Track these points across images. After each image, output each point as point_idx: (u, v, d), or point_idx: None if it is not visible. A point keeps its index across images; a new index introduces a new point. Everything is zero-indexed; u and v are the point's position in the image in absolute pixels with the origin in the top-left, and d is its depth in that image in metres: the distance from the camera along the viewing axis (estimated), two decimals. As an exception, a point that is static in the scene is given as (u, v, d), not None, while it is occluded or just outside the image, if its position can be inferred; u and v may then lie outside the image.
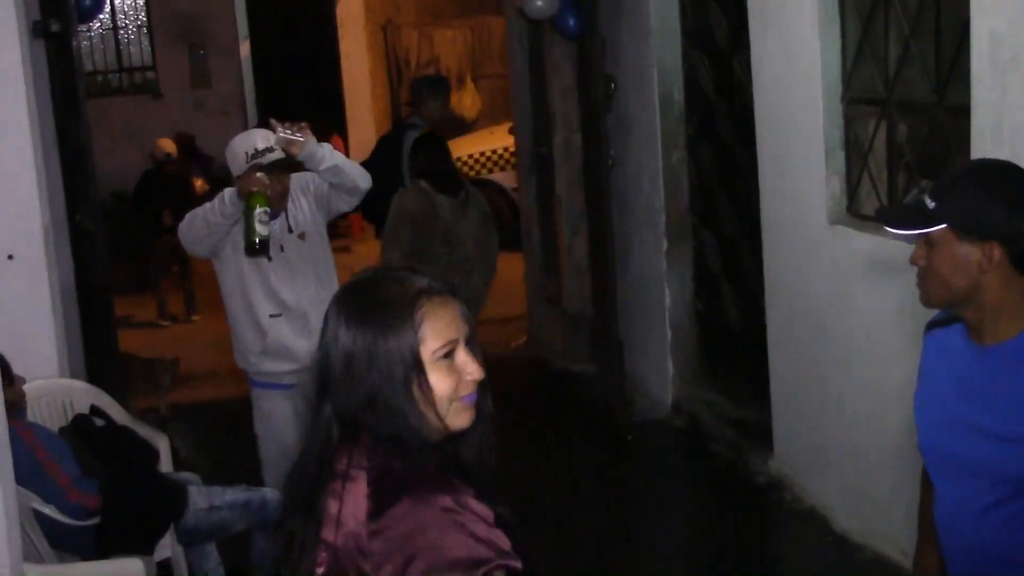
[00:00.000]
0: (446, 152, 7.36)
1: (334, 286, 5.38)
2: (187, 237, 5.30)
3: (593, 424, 7.71)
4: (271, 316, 5.29)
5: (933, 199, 2.61)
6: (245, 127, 16.46)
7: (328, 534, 2.11)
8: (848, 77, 5.53)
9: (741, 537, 6.01)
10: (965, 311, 2.67)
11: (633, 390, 7.87)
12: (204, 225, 5.18)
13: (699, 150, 7.31)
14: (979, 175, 2.67)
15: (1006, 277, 2.58)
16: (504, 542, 2.08)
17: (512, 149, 11.35)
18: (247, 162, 5.09)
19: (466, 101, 16.22)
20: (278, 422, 5.40)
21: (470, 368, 2.20)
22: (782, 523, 6.10)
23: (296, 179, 5.35)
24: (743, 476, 6.57)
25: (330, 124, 14.84)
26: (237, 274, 5.30)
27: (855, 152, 5.59)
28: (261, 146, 5.13)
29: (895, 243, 5.07)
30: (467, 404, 2.21)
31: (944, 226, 2.59)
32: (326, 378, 2.20)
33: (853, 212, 5.59)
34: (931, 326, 2.90)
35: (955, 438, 2.71)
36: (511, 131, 10.99)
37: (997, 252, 2.56)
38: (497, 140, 14.01)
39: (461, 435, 2.23)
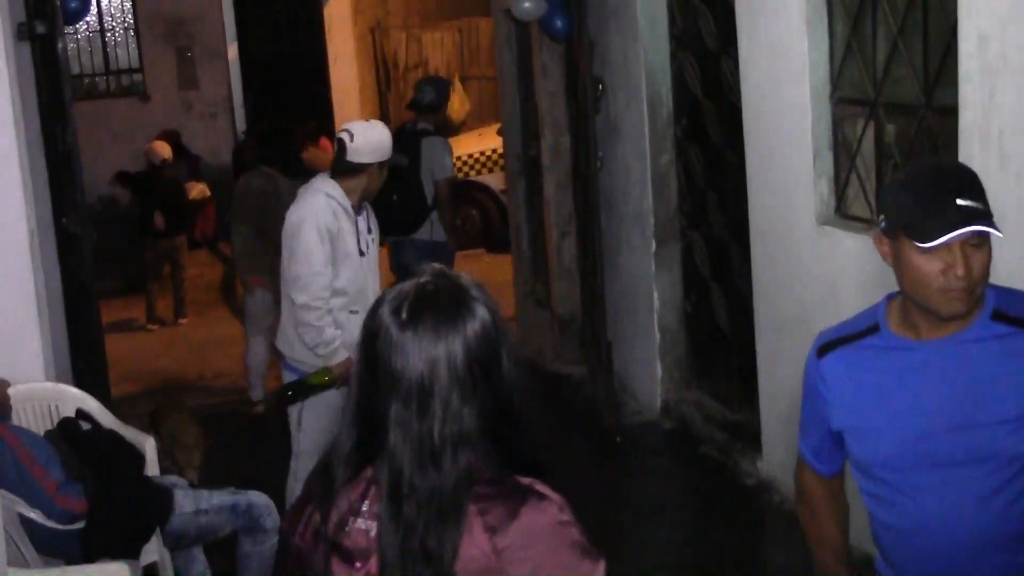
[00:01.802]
0: (291, 144, 8.77)
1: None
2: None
3: (582, 426, 7.71)
4: (350, 312, 5.39)
5: (978, 200, 2.53)
6: (233, 130, 16.50)
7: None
8: (836, 78, 5.52)
9: (730, 539, 6.00)
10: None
11: (622, 392, 7.86)
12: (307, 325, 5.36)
13: (688, 152, 7.30)
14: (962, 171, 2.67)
15: None
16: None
17: (500, 151, 11.34)
18: (385, 156, 5.46)
19: (454, 103, 16.17)
20: (329, 414, 5.43)
21: None
22: (771, 525, 6.09)
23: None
24: (732, 478, 6.56)
25: (318, 127, 14.79)
26: (348, 262, 5.41)
27: (843, 153, 5.58)
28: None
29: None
30: None
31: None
32: (437, 404, 2.08)
33: (841, 213, 5.58)
34: (827, 348, 2.84)
35: (946, 439, 2.66)
36: (499, 133, 10.98)
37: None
38: (485, 142, 14.00)
39: None
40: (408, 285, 2.14)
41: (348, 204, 5.38)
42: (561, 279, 8.87)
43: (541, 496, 2.09)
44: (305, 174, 8.11)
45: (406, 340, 2.07)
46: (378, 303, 2.15)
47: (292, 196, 7.75)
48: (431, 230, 8.20)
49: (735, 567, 5.71)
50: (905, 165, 5.18)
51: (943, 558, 2.73)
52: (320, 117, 15.38)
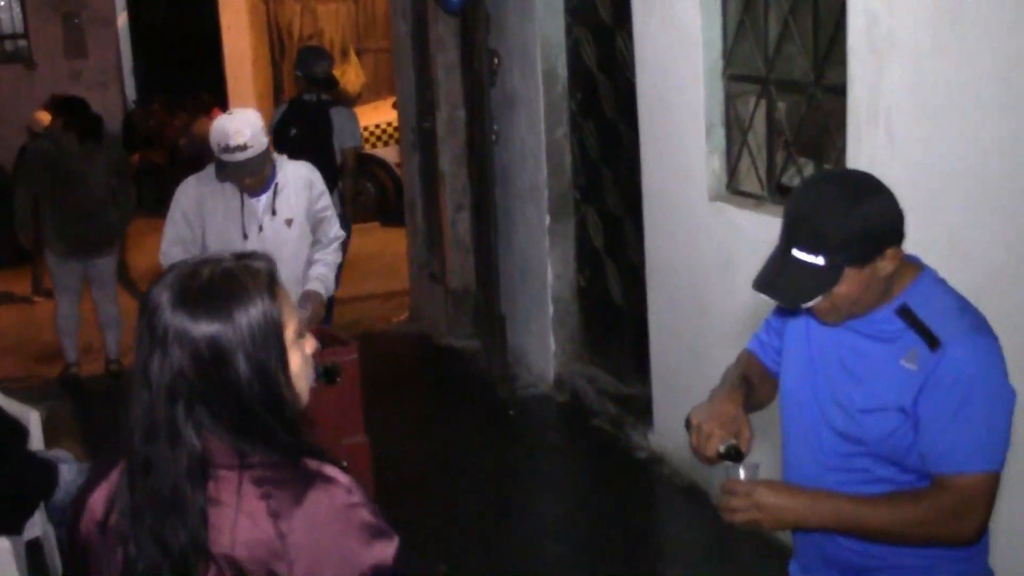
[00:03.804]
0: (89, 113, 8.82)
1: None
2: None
3: (476, 399, 7.71)
4: None
5: (816, 253, 2.51)
6: (123, 99, 16.19)
7: (220, 546, 2.00)
8: (729, 54, 5.57)
9: (622, 511, 6.05)
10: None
11: (516, 365, 7.88)
12: None
13: (582, 126, 7.32)
14: (836, 200, 2.53)
15: (898, 258, 2.59)
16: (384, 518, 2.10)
17: (396, 124, 11.28)
18: (218, 155, 5.18)
19: (350, 75, 16.06)
20: None
21: (310, 345, 2.20)
22: (662, 497, 6.15)
23: (298, 174, 5.47)
24: (624, 451, 6.61)
25: (211, 98, 14.60)
26: (224, 246, 5.25)
27: (736, 129, 5.63)
28: (232, 143, 5.15)
29: (775, 221, 5.14)
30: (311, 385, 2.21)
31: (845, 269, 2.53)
32: (180, 386, 2.02)
33: (733, 189, 5.63)
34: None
35: (808, 402, 2.81)
36: (395, 106, 10.92)
37: (893, 248, 2.55)
38: (381, 115, 13.91)
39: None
40: (189, 265, 2.11)
41: (229, 186, 5.32)
42: (455, 253, 8.86)
43: (328, 479, 2.06)
44: (97, 138, 8.60)
45: (163, 317, 2.03)
46: (162, 276, 2.11)
47: (79, 160, 8.31)
48: (338, 201, 8.15)
49: (626, 540, 5.76)
50: (795, 142, 5.24)
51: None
52: (213, 87, 15.18)
